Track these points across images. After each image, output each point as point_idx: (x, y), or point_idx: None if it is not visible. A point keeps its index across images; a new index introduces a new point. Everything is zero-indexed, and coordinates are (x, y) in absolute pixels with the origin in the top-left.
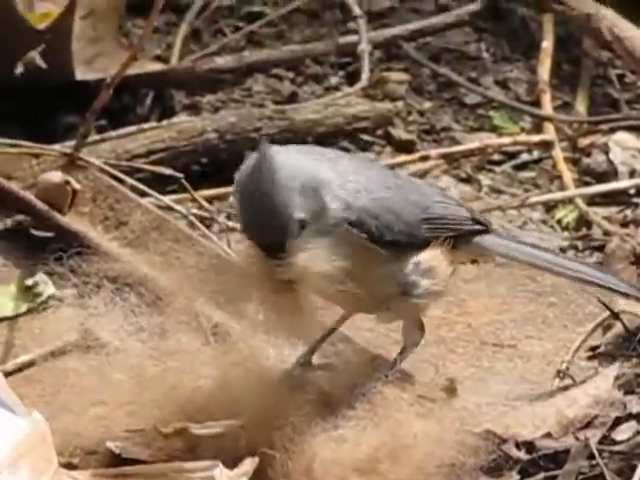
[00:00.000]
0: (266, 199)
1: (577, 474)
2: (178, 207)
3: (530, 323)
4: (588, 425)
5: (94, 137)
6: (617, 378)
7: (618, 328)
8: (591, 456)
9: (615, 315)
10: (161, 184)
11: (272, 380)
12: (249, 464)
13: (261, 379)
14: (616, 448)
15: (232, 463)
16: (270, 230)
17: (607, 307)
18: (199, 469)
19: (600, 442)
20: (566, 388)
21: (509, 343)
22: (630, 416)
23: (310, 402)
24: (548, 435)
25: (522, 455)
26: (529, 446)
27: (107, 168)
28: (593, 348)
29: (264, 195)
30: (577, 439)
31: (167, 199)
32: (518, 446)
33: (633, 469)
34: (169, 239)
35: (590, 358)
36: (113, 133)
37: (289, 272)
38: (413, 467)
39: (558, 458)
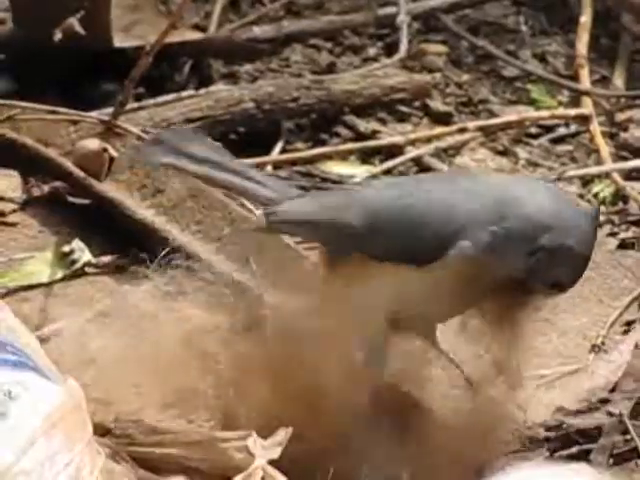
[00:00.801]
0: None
1: (611, 449)
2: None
3: (565, 298)
4: (613, 393)
5: (132, 105)
6: (637, 347)
7: None
8: (625, 431)
9: None
10: None
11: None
12: (283, 434)
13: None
14: None
15: (266, 433)
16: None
17: None
18: (233, 438)
19: (632, 415)
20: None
21: (544, 317)
22: None
23: None
24: (578, 412)
25: (551, 435)
26: (559, 424)
27: (145, 136)
28: (629, 323)
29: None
30: (610, 414)
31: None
32: (548, 428)
33: None
34: (205, 207)
35: (625, 332)
36: (151, 101)
37: None
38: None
39: (590, 433)
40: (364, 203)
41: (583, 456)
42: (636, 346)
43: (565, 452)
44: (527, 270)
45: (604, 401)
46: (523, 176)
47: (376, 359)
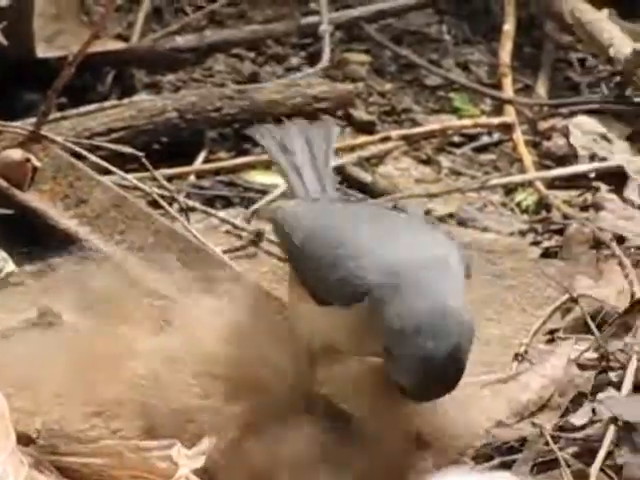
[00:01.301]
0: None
1: (534, 460)
2: (142, 185)
3: (488, 306)
4: (543, 408)
5: (55, 115)
6: (573, 360)
7: (577, 311)
8: (547, 443)
9: (573, 299)
10: (121, 163)
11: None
12: (207, 443)
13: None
14: (573, 434)
15: (190, 443)
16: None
17: (566, 290)
18: (156, 447)
19: (557, 427)
20: (522, 372)
21: None
22: (586, 397)
23: None
24: (502, 424)
25: (477, 444)
26: (485, 435)
27: (70, 145)
28: (552, 331)
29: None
30: (533, 425)
31: (130, 177)
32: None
33: (593, 453)
34: (129, 217)
35: (549, 342)
36: (74, 111)
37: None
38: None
39: (514, 445)
40: (305, 224)
41: (507, 467)
42: (570, 361)
43: (489, 463)
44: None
45: (532, 413)
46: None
47: (301, 380)
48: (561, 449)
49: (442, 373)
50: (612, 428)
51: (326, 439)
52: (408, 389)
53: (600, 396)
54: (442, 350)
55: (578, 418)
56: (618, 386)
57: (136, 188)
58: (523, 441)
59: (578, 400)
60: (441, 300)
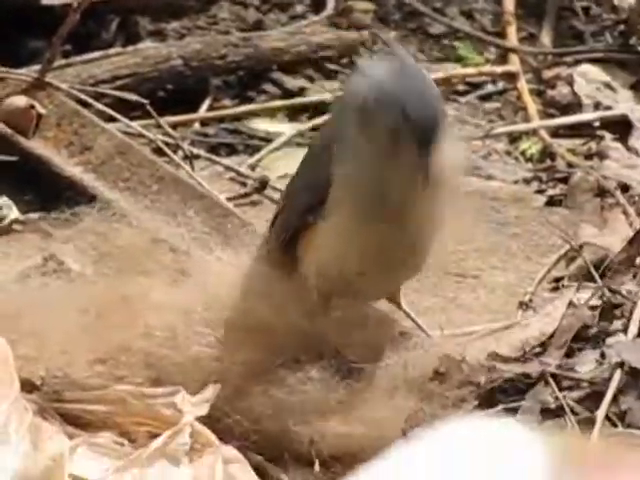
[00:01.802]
0: (432, 89)
1: (540, 407)
2: (146, 132)
3: (493, 254)
4: (547, 347)
5: (59, 62)
6: (571, 304)
7: (581, 260)
8: (556, 384)
9: (575, 249)
10: (126, 110)
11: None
12: (212, 391)
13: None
14: (578, 376)
15: (195, 389)
16: (436, 113)
17: (567, 241)
18: (160, 395)
19: (562, 367)
20: (527, 319)
21: (472, 274)
22: (590, 342)
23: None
24: (505, 358)
25: (482, 380)
26: (489, 370)
27: (75, 92)
28: (556, 280)
29: (428, 85)
30: (540, 363)
31: (135, 124)
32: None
33: (597, 397)
34: (133, 165)
35: (553, 290)
36: (78, 58)
37: (432, 168)
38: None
39: (519, 385)
40: None
41: (511, 413)
42: (570, 303)
43: (493, 409)
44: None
45: (537, 353)
46: None
47: (318, 320)
48: (567, 391)
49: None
50: (618, 373)
51: (336, 385)
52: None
53: (609, 340)
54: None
55: (583, 363)
56: (623, 332)
57: (141, 135)
58: (527, 379)
59: (583, 341)
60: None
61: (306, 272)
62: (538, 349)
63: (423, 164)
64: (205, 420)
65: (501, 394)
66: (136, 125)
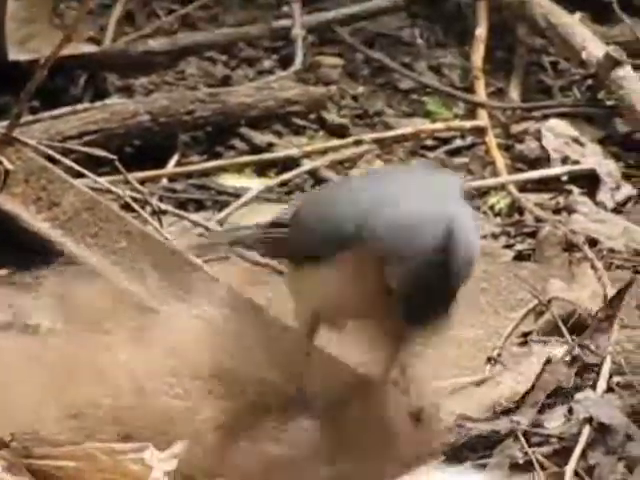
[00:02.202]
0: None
1: (508, 462)
2: (114, 188)
3: (462, 309)
4: (520, 405)
5: (27, 118)
6: (547, 362)
7: (550, 314)
8: (525, 439)
9: (544, 304)
10: (93, 166)
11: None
12: (180, 446)
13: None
14: (547, 432)
15: (163, 446)
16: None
17: (535, 296)
18: (129, 450)
19: (533, 424)
20: (496, 375)
21: None
22: (559, 397)
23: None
24: (476, 418)
25: (452, 440)
26: (458, 428)
27: (43, 148)
28: (525, 334)
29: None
30: (510, 421)
31: (103, 180)
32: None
33: (567, 452)
34: (101, 220)
35: (522, 344)
36: (46, 114)
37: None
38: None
39: (488, 442)
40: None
41: (480, 468)
42: (547, 361)
43: (462, 465)
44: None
45: (508, 411)
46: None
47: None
48: (536, 446)
49: (429, 271)
50: (587, 428)
51: (317, 435)
52: (398, 291)
53: (578, 396)
54: (428, 246)
55: (552, 419)
56: (592, 387)
57: (109, 191)
58: (497, 437)
59: (555, 399)
60: (437, 207)
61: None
62: (510, 406)
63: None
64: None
65: (469, 450)
66: (104, 181)
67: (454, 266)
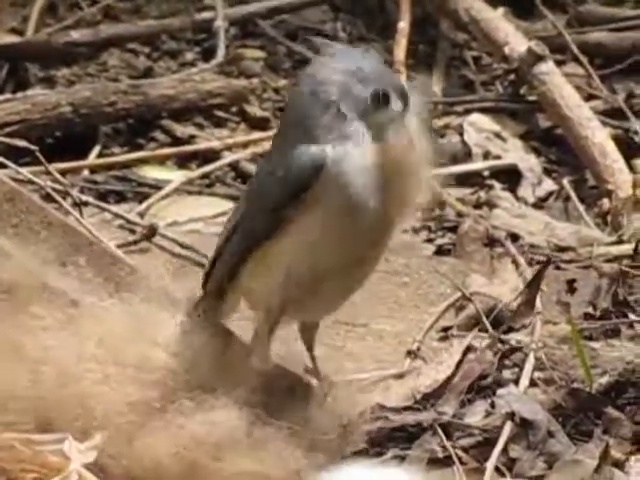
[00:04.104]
0: None
1: (428, 456)
2: (36, 179)
3: (382, 302)
4: (439, 397)
5: None
6: (468, 350)
7: (470, 309)
8: (445, 433)
9: (466, 297)
10: (14, 156)
11: None
12: (99, 438)
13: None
14: (468, 425)
15: (82, 437)
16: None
17: (459, 288)
18: (48, 442)
19: (454, 417)
20: (416, 367)
21: (361, 322)
22: (481, 392)
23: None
24: (397, 409)
25: (373, 428)
26: (378, 418)
27: None
28: (445, 329)
29: None
30: (434, 412)
31: (25, 171)
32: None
33: (487, 445)
34: (22, 211)
35: (442, 339)
36: None
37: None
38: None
39: (409, 433)
40: None
41: (400, 460)
42: (467, 349)
43: (382, 457)
44: None
45: (428, 398)
46: None
47: (260, 343)
48: (456, 440)
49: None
50: (509, 423)
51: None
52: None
53: (500, 391)
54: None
55: (474, 413)
56: (515, 382)
57: (30, 182)
58: (419, 428)
59: (477, 393)
60: None
61: (259, 292)
62: (432, 398)
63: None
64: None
65: (391, 442)
66: (25, 172)
67: None
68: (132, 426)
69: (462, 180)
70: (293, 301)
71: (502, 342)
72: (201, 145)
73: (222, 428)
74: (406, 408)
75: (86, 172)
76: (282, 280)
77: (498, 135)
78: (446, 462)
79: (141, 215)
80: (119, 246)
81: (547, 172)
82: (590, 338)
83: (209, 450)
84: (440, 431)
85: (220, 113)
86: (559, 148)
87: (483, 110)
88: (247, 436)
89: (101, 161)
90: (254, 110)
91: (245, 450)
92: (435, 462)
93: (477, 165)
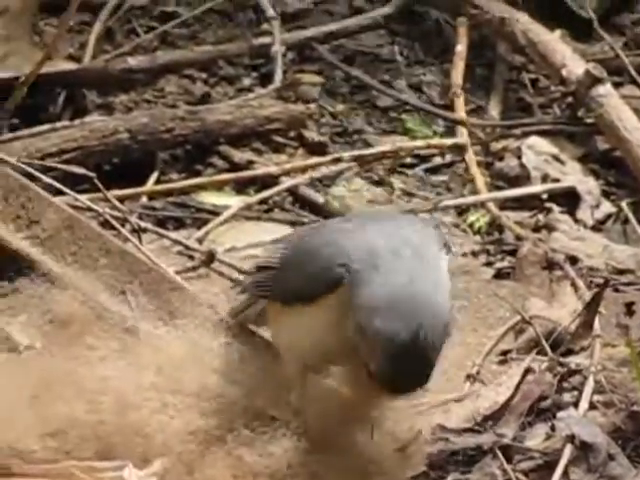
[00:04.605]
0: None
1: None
2: (94, 206)
3: None
4: (499, 419)
5: (6, 135)
6: (527, 372)
7: (530, 332)
8: (505, 456)
9: (527, 321)
10: (72, 184)
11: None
12: (159, 465)
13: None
14: (528, 448)
15: (142, 464)
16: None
17: (518, 312)
18: (108, 469)
19: (514, 440)
20: (475, 390)
21: None
22: (541, 415)
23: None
24: (458, 431)
25: (433, 450)
26: (440, 440)
27: (22, 166)
28: (504, 352)
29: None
30: (493, 434)
31: (83, 198)
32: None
33: (547, 468)
34: (81, 238)
35: (501, 362)
36: (25, 132)
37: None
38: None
39: (470, 456)
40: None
41: None
42: (526, 371)
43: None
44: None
45: (488, 420)
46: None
47: (296, 399)
48: (516, 464)
49: (408, 354)
50: (569, 447)
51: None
52: (377, 372)
53: (560, 414)
54: (408, 329)
55: (534, 436)
56: (574, 405)
57: (88, 209)
58: (478, 451)
59: (537, 416)
60: (416, 284)
61: (281, 350)
62: (492, 419)
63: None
64: None
65: (451, 465)
66: (84, 199)
67: (428, 352)
68: (191, 455)
69: (521, 203)
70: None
71: (561, 365)
72: (259, 170)
73: (280, 459)
74: (466, 430)
75: (144, 199)
76: (293, 353)
77: (556, 158)
78: None
79: (199, 241)
80: (177, 272)
81: (606, 194)
82: None
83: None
84: (500, 454)
85: (278, 138)
86: (618, 170)
87: (541, 133)
88: (303, 467)
89: (159, 187)
90: (312, 135)
91: None
92: None
93: (536, 188)
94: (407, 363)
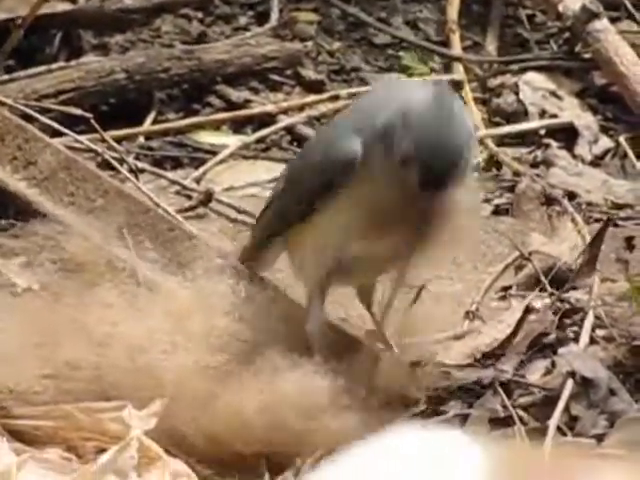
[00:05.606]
0: (452, 129)
1: (489, 415)
2: (93, 146)
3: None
4: (500, 355)
5: (2, 77)
6: (528, 310)
7: (529, 268)
8: (506, 392)
9: (526, 257)
10: (69, 124)
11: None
12: (158, 405)
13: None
14: (529, 383)
15: (141, 404)
16: (452, 154)
17: (517, 248)
18: (107, 409)
19: (515, 374)
20: (475, 329)
21: (418, 284)
22: (541, 351)
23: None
24: (459, 366)
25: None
26: (441, 375)
27: (19, 107)
28: (504, 289)
29: (450, 126)
30: (494, 369)
31: (81, 138)
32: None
33: (548, 403)
34: (78, 179)
35: (501, 299)
36: (21, 73)
37: (443, 204)
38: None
39: (471, 391)
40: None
41: (462, 418)
42: (527, 308)
43: (442, 417)
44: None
45: (488, 356)
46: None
47: (313, 310)
48: (517, 399)
49: (440, 136)
50: (569, 382)
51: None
52: (414, 153)
53: (561, 350)
54: (441, 116)
55: (534, 372)
56: (574, 341)
57: (85, 150)
58: (479, 386)
59: (537, 352)
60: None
61: (298, 267)
62: (493, 356)
63: (425, 207)
64: (153, 434)
65: (452, 400)
66: (82, 139)
67: (454, 120)
68: (202, 391)
69: (518, 139)
70: (335, 272)
71: (562, 301)
72: (256, 109)
73: (304, 388)
74: (467, 365)
75: (141, 139)
76: (317, 258)
77: (554, 93)
78: (507, 422)
79: (197, 181)
80: (176, 212)
81: (604, 129)
82: None
83: (295, 407)
84: (500, 390)
85: (275, 77)
86: (615, 105)
87: (538, 69)
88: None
89: (156, 127)
90: (309, 73)
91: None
92: (496, 422)
93: (533, 124)
94: (440, 147)
